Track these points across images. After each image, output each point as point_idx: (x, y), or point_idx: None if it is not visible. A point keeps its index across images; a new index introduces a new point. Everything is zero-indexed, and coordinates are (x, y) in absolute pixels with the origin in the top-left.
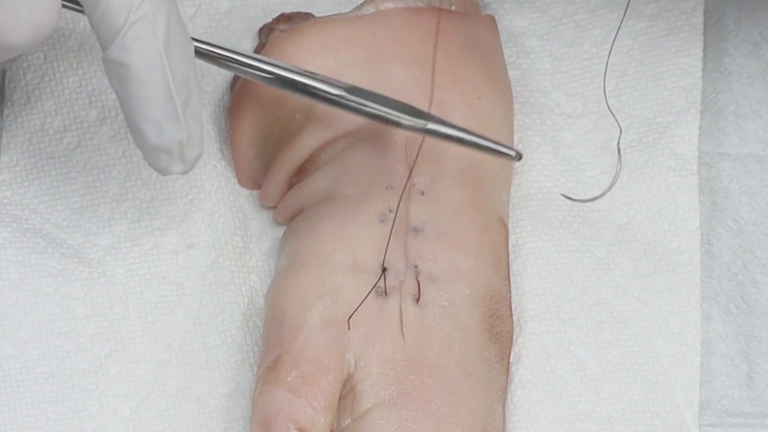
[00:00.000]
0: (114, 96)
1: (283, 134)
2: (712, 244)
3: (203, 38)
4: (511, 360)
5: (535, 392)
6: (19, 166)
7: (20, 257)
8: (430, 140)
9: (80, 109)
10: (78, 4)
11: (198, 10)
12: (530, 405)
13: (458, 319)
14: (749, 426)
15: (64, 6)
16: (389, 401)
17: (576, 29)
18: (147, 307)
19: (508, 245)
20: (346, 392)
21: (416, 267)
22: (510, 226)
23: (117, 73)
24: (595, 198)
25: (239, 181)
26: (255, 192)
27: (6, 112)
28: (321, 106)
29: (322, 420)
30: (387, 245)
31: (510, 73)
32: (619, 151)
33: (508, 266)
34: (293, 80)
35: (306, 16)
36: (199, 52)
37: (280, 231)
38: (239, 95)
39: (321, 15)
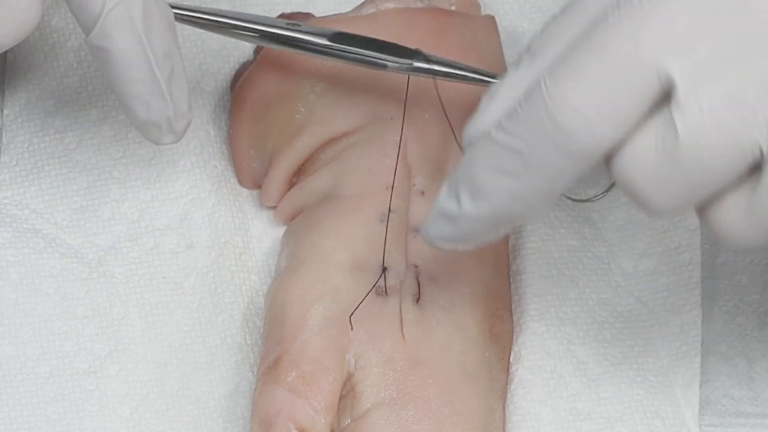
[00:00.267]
0: (114, 97)
1: (283, 134)
2: (712, 244)
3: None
4: (511, 360)
5: (535, 392)
6: (19, 166)
7: (20, 257)
8: (430, 137)
9: (81, 109)
10: None
11: None
12: (530, 405)
13: (458, 319)
14: (749, 426)
15: None
16: (389, 401)
17: None
18: (147, 307)
19: (508, 245)
20: (347, 392)
21: (416, 267)
22: None
23: (100, 57)
24: (595, 198)
25: (239, 181)
26: (255, 192)
27: (6, 111)
28: (322, 106)
29: (323, 420)
30: (384, 244)
31: None
32: None
33: (508, 266)
34: (277, 35)
35: (306, 16)
36: (183, 18)
37: (280, 231)
38: (239, 95)
39: (321, 15)
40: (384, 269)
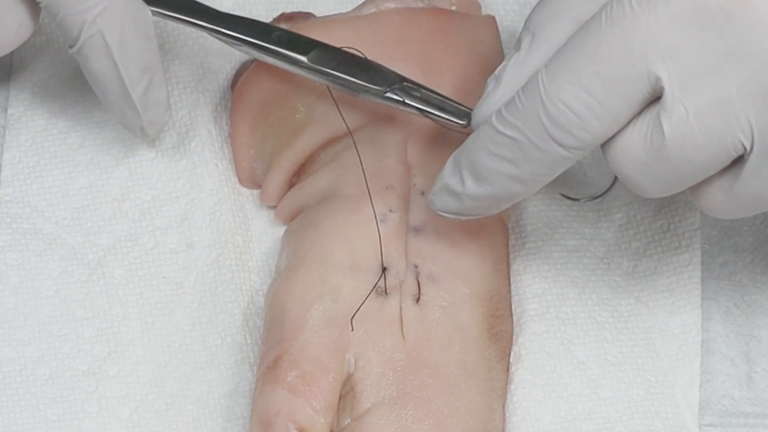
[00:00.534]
0: None
1: (284, 134)
2: (712, 244)
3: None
4: (511, 360)
5: (535, 392)
6: (22, 163)
7: (20, 260)
8: (430, 137)
9: (85, 111)
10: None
11: None
12: (530, 405)
13: (458, 319)
14: (749, 426)
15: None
16: (389, 401)
17: None
18: (147, 308)
19: (508, 245)
20: (346, 392)
21: (416, 267)
22: (510, 226)
23: (81, 66)
24: (595, 198)
25: (240, 181)
26: (255, 191)
27: (10, 111)
28: (322, 106)
29: (322, 420)
30: (380, 244)
31: None
32: None
33: (508, 266)
34: (257, 45)
35: (307, 16)
36: (160, 15)
37: (280, 231)
38: (240, 94)
39: (321, 15)
40: (384, 269)
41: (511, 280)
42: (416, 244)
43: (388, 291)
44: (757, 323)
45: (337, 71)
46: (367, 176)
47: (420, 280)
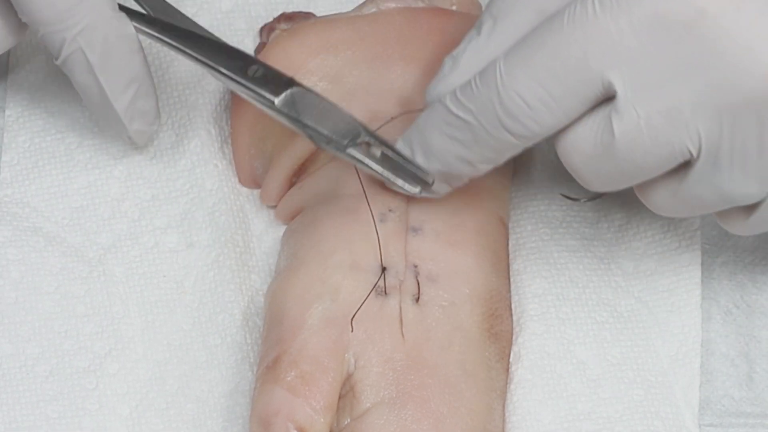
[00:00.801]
0: None
1: (284, 134)
2: (712, 244)
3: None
4: (511, 360)
5: (535, 392)
6: (20, 164)
7: (20, 256)
8: None
9: (83, 111)
10: None
11: (200, 9)
12: (530, 405)
13: (458, 319)
14: (749, 426)
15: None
16: (389, 401)
17: None
18: (147, 306)
19: (508, 245)
20: (346, 392)
21: (416, 267)
22: (510, 226)
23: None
24: (595, 198)
25: (240, 181)
26: (255, 191)
27: (8, 112)
28: None
29: (322, 420)
30: (379, 244)
31: None
32: None
33: (508, 266)
34: (231, 78)
35: (307, 16)
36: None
37: (280, 230)
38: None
39: (322, 14)
40: (383, 269)
41: (511, 280)
42: (416, 243)
43: (387, 291)
44: (757, 323)
45: (304, 118)
46: (366, 176)
47: (419, 279)
